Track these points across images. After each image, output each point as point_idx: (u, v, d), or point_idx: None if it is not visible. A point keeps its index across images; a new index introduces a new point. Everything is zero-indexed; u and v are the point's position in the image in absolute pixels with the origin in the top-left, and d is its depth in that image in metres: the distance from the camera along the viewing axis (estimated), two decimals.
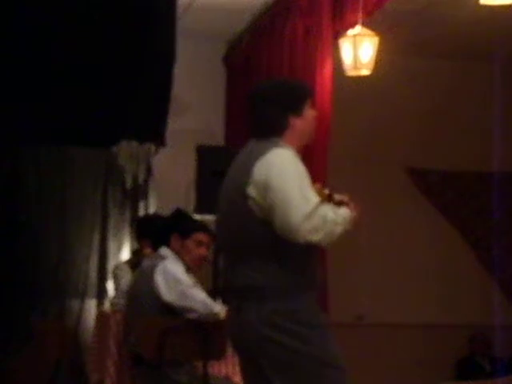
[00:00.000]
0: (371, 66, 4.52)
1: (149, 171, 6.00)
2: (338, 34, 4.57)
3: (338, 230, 2.59)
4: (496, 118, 5.66)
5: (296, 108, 2.73)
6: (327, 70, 4.60)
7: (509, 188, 6.42)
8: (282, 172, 2.59)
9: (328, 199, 2.71)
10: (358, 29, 4.43)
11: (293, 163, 2.63)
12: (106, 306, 5.26)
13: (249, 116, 2.81)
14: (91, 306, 5.63)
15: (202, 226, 4.08)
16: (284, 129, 2.72)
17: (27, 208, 5.69)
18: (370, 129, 6.32)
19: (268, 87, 2.88)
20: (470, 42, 5.86)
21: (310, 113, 2.77)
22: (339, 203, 2.71)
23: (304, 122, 2.75)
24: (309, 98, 2.79)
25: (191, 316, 3.76)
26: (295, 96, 2.76)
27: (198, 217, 4.60)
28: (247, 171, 2.63)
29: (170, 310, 3.79)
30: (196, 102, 6.34)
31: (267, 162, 2.61)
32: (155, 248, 4.17)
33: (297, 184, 2.57)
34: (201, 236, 3.96)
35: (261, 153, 2.64)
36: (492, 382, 3.35)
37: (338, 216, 2.60)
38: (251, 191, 2.61)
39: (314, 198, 2.58)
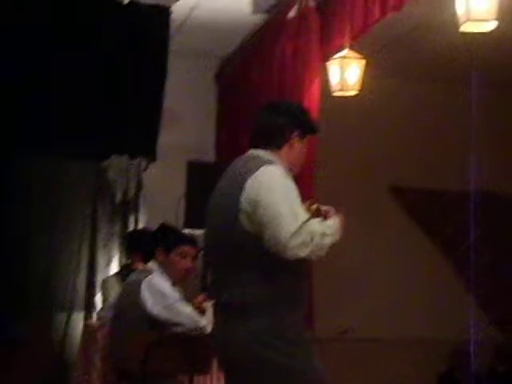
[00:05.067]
0: (358, 87, 4.61)
1: (139, 185, 6.03)
2: (326, 56, 4.65)
3: (328, 241, 2.63)
4: (475, 139, 5.76)
5: (302, 131, 2.83)
6: (315, 90, 4.69)
7: (488, 207, 6.51)
8: (272, 189, 2.63)
9: (316, 215, 2.77)
10: (345, 52, 4.52)
11: (282, 180, 2.67)
12: (94, 319, 5.28)
13: (254, 124, 2.88)
14: (79, 318, 5.64)
15: (186, 239, 4.10)
16: (284, 142, 2.79)
17: (17, 219, 5.71)
18: (356, 148, 6.40)
19: (285, 102, 3.07)
20: (451, 66, 5.97)
21: (306, 144, 2.86)
22: (326, 217, 2.77)
23: (301, 147, 2.83)
24: (312, 133, 2.89)
25: (177, 330, 3.77)
26: (307, 121, 2.88)
27: (187, 231, 4.64)
28: (239, 186, 2.67)
29: (156, 323, 3.79)
30: (188, 117, 6.40)
31: (258, 179, 2.65)
32: (146, 262, 4.20)
33: (286, 200, 2.60)
34: (185, 248, 3.98)
35: (253, 169, 2.68)
36: None
37: (325, 227, 2.65)
38: (243, 205, 2.65)
39: (302, 214, 2.62)
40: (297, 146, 2.82)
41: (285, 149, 2.80)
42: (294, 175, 2.80)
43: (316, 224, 2.64)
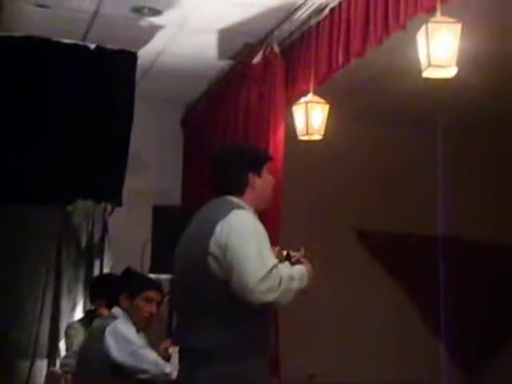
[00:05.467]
0: (322, 131, 4.68)
1: (104, 230, 6.00)
2: (291, 100, 4.73)
3: (295, 285, 2.65)
4: (440, 182, 5.87)
5: (256, 167, 2.85)
6: (280, 134, 4.74)
7: (453, 251, 6.59)
8: (242, 233, 2.65)
9: (286, 260, 2.78)
10: (309, 96, 4.59)
11: (253, 225, 2.69)
12: (57, 366, 5.19)
13: (212, 175, 2.91)
14: (42, 366, 5.54)
15: (151, 283, 4.07)
16: (245, 186, 2.82)
17: None
18: (321, 190, 6.46)
19: (231, 148, 3.10)
20: (413, 111, 6.11)
21: (268, 176, 2.89)
22: (297, 262, 2.78)
23: (263, 183, 2.85)
24: (268, 161, 2.92)
25: (142, 377, 3.73)
26: (256, 156, 2.90)
27: (153, 276, 4.60)
28: (209, 231, 2.68)
29: (120, 370, 3.74)
30: (154, 162, 6.40)
31: (228, 224, 2.66)
32: (110, 308, 4.16)
33: (255, 246, 2.62)
34: (150, 293, 3.94)
35: (222, 214, 2.70)
36: None
37: (293, 272, 2.67)
38: (212, 249, 2.65)
39: (271, 259, 2.63)
40: (258, 183, 2.85)
41: (248, 192, 2.83)
42: (261, 218, 2.82)
43: (284, 268, 2.66)
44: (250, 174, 2.83)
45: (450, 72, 3.46)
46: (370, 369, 6.36)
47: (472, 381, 6.69)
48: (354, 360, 6.34)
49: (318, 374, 6.30)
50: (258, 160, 2.88)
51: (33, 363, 5.56)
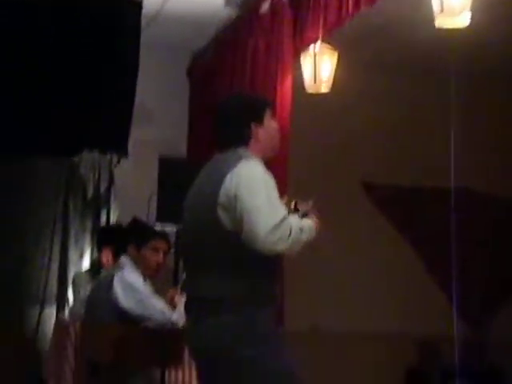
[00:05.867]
0: (330, 81, 4.63)
1: (111, 181, 6.01)
2: (299, 50, 4.67)
3: (304, 237, 2.65)
4: (451, 133, 5.81)
5: (257, 116, 2.80)
6: (287, 85, 4.69)
7: (462, 204, 6.59)
8: (251, 184, 2.63)
9: (294, 211, 2.79)
10: (318, 45, 4.53)
11: (262, 175, 2.67)
12: (66, 314, 5.26)
13: (214, 129, 2.88)
14: (51, 313, 5.62)
15: (158, 233, 4.12)
16: (248, 138, 2.78)
17: None
18: (329, 143, 6.42)
19: (229, 100, 3.01)
20: (427, 59, 6.00)
21: (271, 123, 2.85)
22: (304, 214, 2.79)
23: (266, 131, 2.81)
24: (268, 108, 2.87)
25: (149, 324, 3.79)
26: (256, 104, 2.85)
27: (159, 227, 4.64)
28: (218, 182, 2.67)
29: (128, 318, 3.80)
30: (159, 113, 6.37)
31: (238, 174, 2.65)
32: (116, 257, 4.20)
33: (265, 196, 2.61)
34: (157, 243, 3.99)
35: (231, 164, 2.68)
36: None
37: (303, 225, 2.67)
38: (221, 200, 2.65)
39: (281, 209, 2.63)
40: (262, 133, 2.81)
41: (252, 143, 2.80)
42: (269, 170, 2.80)
43: (294, 220, 2.66)
44: (253, 125, 2.79)
45: (464, 18, 3.40)
46: (374, 320, 6.42)
47: (477, 332, 6.75)
48: (358, 311, 6.40)
49: (321, 324, 6.38)
50: (257, 109, 2.83)
51: (42, 310, 5.63)
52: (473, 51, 5.66)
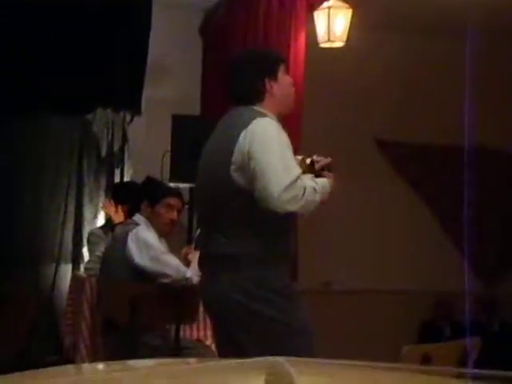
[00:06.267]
0: (344, 38, 4.58)
1: (124, 139, 6.01)
2: (313, 6, 4.61)
3: (317, 198, 2.65)
4: (467, 93, 5.73)
5: (271, 72, 2.78)
6: (301, 41, 4.65)
7: (476, 162, 6.54)
8: (265, 142, 2.63)
9: (310, 169, 2.78)
10: (331, 1, 4.48)
11: (276, 133, 2.66)
12: (81, 271, 5.32)
13: (229, 85, 2.86)
14: (66, 270, 5.67)
15: (171, 191, 4.12)
16: (263, 93, 2.76)
17: (2, 175, 5.68)
18: (342, 100, 6.37)
19: (243, 55, 3.01)
20: (442, 18, 5.91)
21: (285, 78, 2.82)
22: (320, 170, 2.78)
23: (281, 86, 2.79)
24: (282, 63, 2.85)
25: (164, 281, 3.82)
26: (269, 60, 2.83)
27: (172, 185, 4.65)
28: (232, 139, 2.66)
29: (142, 275, 3.83)
30: (173, 71, 6.32)
31: (251, 132, 2.64)
32: (130, 215, 4.22)
33: (279, 154, 2.60)
34: (171, 200, 4.00)
35: (245, 122, 2.67)
36: (449, 344, 3.51)
37: (317, 184, 2.66)
38: (235, 158, 2.64)
39: (295, 168, 2.62)
40: (276, 88, 2.79)
41: (267, 99, 2.77)
42: (283, 127, 2.79)
43: (308, 180, 2.65)
44: (267, 80, 2.77)
45: None
46: (387, 277, 6.45)
47: (489, 290, 6.77)
48: (369, 268, 6.42)
49: (333, 282, 6.41)
50: (271, 63, 2.81)
51: (57, 268, 5.69)
52: (490, 5, 5.55)
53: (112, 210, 4.63)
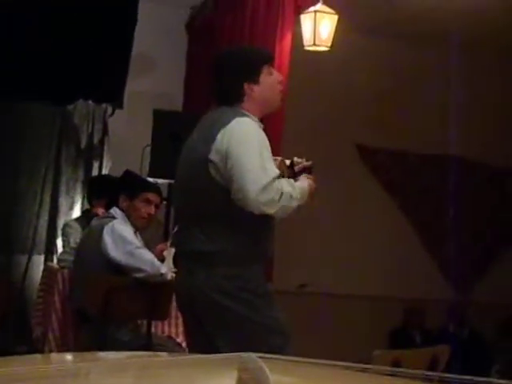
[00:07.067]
0: (329, 43, 4.60)
1: (104, 132, 5.97)
2: (300, 9, 4.62)
3: (294, 204, 2.64)
4: (449, 102, 5.78)
5: (250, 75, 2.75)
6: (286, 43, 4.66)
7: (451, 171, 6.62)
8: (243, 142, 2.62)
9: (289, 170, 2.77)
10: (318, 6, 4.50)
11: (255, 133, 2.65)
12: (54, 262, 5.28)
13: (211, 84, 2.85)
14: (39, 261, 5.63)
15: (149, 185, 4.11)
16: (241, 96, 2.74)
17: None
18: (325, 104, 6.40)
19: (225, 56, 2.95)
20: (427, 24, 5.95)
21: (269, 79, 2.78)
22: (300, 172, 2.77)
23: (263, 88, 2.76)
24: (266, 64, 2.80)
25: (138, 275, 3.81)
26: (250, 63, 2.79)
27: (151, 180, 4.63)
28: (211, 138, 2.65)
29: (117, 269, 3.82)
30: (157, 65, 6.31)
31: (230, 131, 2.63)
32: (108, 208, 4.20)
33: (256, 154, 2.59)
34: (149, 195, 3.99)
35: (225, 121, 2.66)
36: (418, 350, 3.54)
37: (294, 190, 2.65)
38: (214, 157, 2.63)
39: (272, 169, 2.61)
40: (257, 90, 2.77)
41: (246, 101, 2.76)
42: (264, 128, 2.78)
43: (285, 184, 2.64)
44: (246, 85, 2.75)
45: None
46: (360, 281, 6.49)
47: (460, 297, 6.83)
48: (346, 273, 6.46)
49: (308, 285, 6.43)
50: (252, 66, 2.77)
51: (30, 258, 5.64)
52: (471, 16, 5.60)
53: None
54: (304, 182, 2.75)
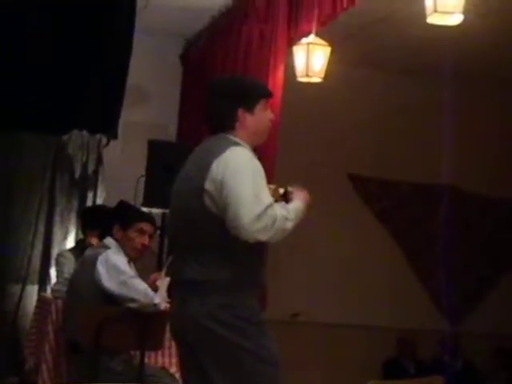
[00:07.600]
0: (322, 74, 4.65)
1: (99, 162, 5.99)
2: (292, 41, 4.68)
3: (289, 226, 2.64)
4: (440, 132, 5.84)
5: (247, 103, 2.75)
6: (279, 74, 4.70)
7: (443, 200, 6.66)
8: (238, 171, 2.61)
9: (283, 199, 2.79)
10: (311, 38, 4.55)
11: (249, 162, 2.65)
12: (48, 292, 5.26)
13: (205, 111, 2.87)
14: (33, 291, 5.61)
15: (143, 216, 4.12)
16: (233, 122, 2.74)
17: None
18: (317, 134, 6.46)
19: (223, 82, 2.97)
20: (419, 57, 6.03)
21: (262, 113, 2.79)
22: (293, 199, 2.79)
23: (256, 119, 2.76)
24: (264, 98, 2.81)
25: (132, 305, 3.78)
26: (247, 91, 2.79)
27: (145, 210, 4.64)
28: (206, 167, 2.66)
29: (110, 299, 3.81)
30: (151, 96, 6.37)
31: (224, 160, 2.63)
32: (101, 238, 4.20)
33: (250, 184, 2.59)
34: (143, 225, 4.00)
35: (219, 150, 2.67)
36: (412, 381, 3.52)
37: (289, 212, 2.66)
38: (209, 186, 2.64)
39: (266, 198, 2.61)
40: (250, 120, 2.76)
41: (238, 128, 2.76)
42: (259, 157, 2.80)
43: (279, 209, 2.65)
44: (240, 110, 2.75)
45: (456, 19, 3.43)
46: (352, 311, 6.48)
47: (454, 330, 6.83)
48: (336, 301, 6.46)
49: (301, 314, 6.43)
50: (249, 95, 2.78)
51: (24, 288, 5.62)
52: (466, 51, 5.69)
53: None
54: (297, 202, 2.77)
